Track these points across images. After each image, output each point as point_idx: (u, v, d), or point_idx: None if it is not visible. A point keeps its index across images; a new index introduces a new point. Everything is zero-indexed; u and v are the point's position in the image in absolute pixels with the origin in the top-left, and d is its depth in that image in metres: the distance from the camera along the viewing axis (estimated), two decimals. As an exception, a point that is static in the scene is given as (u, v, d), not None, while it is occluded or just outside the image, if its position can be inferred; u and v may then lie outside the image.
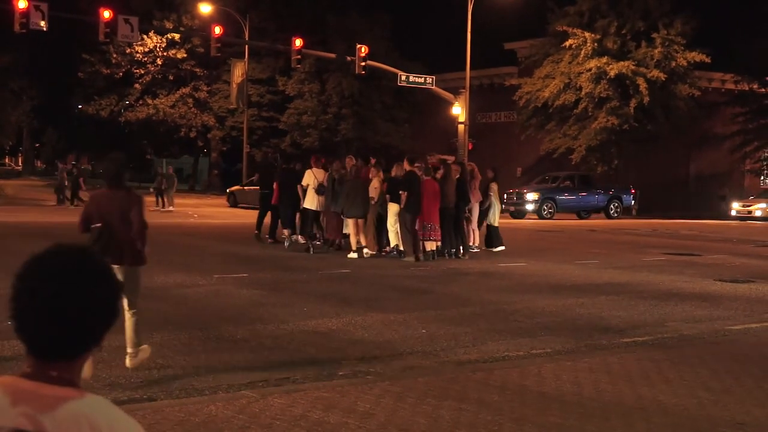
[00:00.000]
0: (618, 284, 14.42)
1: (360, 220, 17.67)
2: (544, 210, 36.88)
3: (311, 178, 18.18)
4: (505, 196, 34.99)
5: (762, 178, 48.72)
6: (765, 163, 47.81)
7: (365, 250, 17.63)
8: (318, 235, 18.97)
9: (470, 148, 38.52)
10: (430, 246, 17.26)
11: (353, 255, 17.30)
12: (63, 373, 1.69)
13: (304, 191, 18.28)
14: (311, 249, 18.03)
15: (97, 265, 1.75)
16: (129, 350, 7.26)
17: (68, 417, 1.63)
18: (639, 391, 6.96)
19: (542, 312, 11.27)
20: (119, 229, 7.01)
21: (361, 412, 6.08)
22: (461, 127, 37.71)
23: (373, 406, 6.22)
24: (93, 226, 7.02)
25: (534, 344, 9.13)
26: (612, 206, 39.26)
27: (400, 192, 16.92)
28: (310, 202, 18.17)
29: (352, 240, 17.65)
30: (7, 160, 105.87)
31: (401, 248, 17.34)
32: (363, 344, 8.82)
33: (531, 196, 37.23)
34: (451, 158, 17.71)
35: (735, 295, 13.47)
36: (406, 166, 17.37)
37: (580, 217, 38.56)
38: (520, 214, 36.90)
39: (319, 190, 18.05)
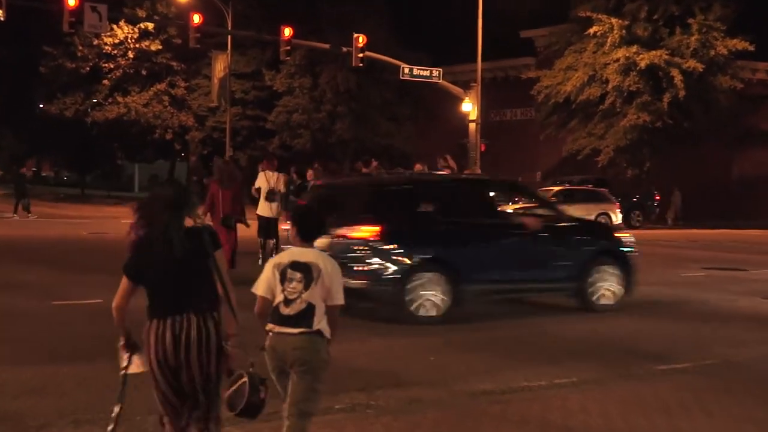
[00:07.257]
0: (652, 303, 14.40)
1: None
2: None
3: (263, 181, 18.02)
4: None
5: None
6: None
7: None
8: (272, 244, 18.20)
9: (483, 149, 38.49)
10: None
11: None
12: (311, 244, 5.61)
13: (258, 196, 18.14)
14: (260, 259, 17.28)
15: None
16: None
17: (315, 256, 5.52)
18: (677, 425, 6.95)
19: (566, 335, 11.26)
20: None
21: (362, 451, 6.07)
22: (472, 126, 37.74)
23: (376, 445, 6.21)
24: None
25: (557, 372, 9.11)
26: (633, 215, 39.09)
27: None
28: (262, 208, 17.95)
29: None
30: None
31: None
32: (363, 373, 8.81)
33: None
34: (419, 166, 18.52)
35: (785, 315, 13.47)
36: (375, 168, 18.40)
37: None
38: None
39: (269, 196, 17.81)
